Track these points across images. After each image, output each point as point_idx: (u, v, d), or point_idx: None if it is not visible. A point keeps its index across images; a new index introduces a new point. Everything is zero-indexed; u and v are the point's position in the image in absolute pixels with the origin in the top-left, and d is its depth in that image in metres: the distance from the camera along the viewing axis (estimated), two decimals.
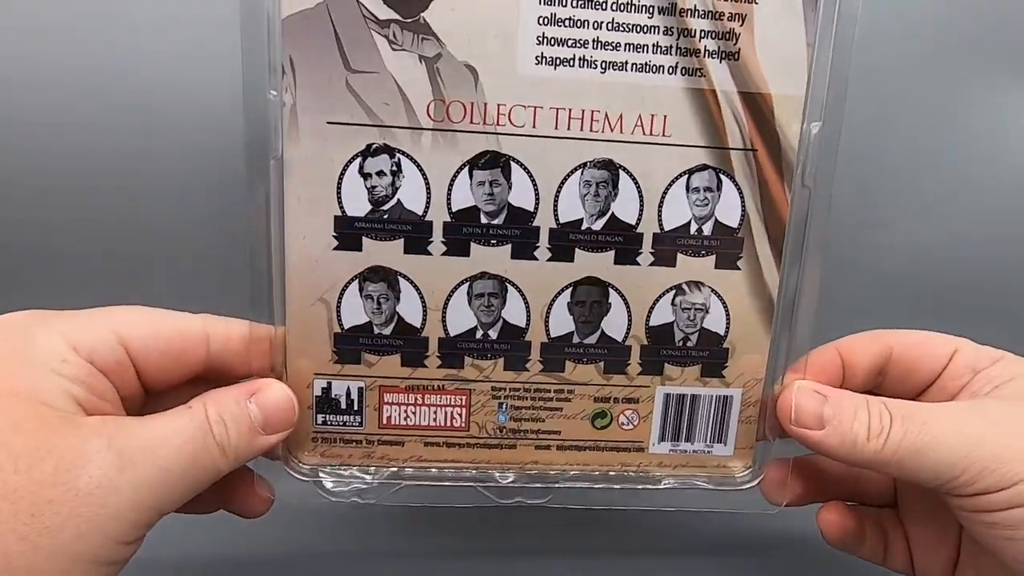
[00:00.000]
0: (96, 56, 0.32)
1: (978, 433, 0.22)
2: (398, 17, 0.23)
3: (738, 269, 0.26)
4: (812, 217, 0.25)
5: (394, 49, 0.23)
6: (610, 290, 0.26)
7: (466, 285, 0.25)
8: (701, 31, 0.24)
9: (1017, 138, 0.36)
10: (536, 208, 0.25)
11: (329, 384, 0.26)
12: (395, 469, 0.27)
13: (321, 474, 0.26)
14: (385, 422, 0.26)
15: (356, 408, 0.26)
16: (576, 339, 0.26)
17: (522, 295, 0.25)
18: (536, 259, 0.25)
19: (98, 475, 0.20)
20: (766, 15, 0.24)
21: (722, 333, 0.26)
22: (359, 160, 0.24)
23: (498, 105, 0.24)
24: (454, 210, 0.24)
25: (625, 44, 0.24)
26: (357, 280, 0.25)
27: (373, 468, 0.27)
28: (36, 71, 0.32)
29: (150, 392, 0.24)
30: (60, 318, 0.22)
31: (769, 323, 0.26)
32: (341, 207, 0.24)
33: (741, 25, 0.24)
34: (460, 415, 0.27)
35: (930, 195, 0.37)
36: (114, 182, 0.32)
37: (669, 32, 0.24)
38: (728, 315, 0.26)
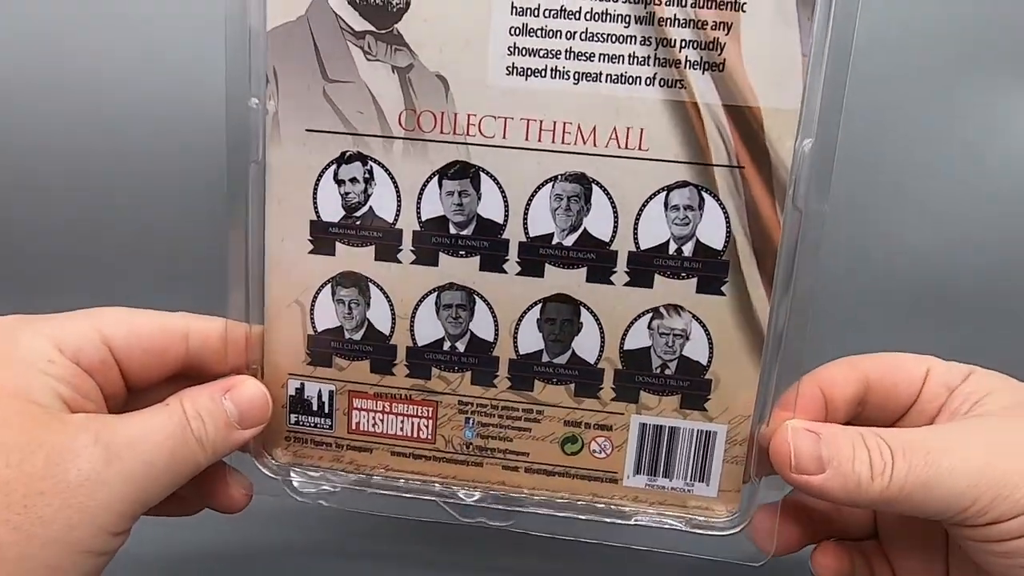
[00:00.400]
0: (88, 58, 0.35)
1: (983, 459, 0.21)
2: (373, 29, 0.23)
3: (723, 295, 0.24)
4: (803, 242, 0.23)
5: (369, 60, 0.24)
6: (582, 309, 0.25)
7: (434, 295, 0.25)
8: (682, 41, 0.22)
9: (1018, 140, 0.33)
10: (505, 220, 0.24)
11: (302, 385, 0.26)
12: (362, 476, 0.27)
13: (292, 473, 0.27)
14: (354, 427, 0.27)
15: (327, 411, 0.26)
16: (545, 357, 0.25)
17: (490, 308, 0.25)
18: (505, 272, 0.25)
19: (87, 468, 0.20)
20: (755, 24, 0.22)
21: (704, 362, 0.25)
22: (334, 167, 0.24)
23: (468, 115, 0.24)
24: (423, 219, 0.25)
25: (599, 55, 0.23)
26: (330, 284, 0.25)
27: (341, 472, 0.27)
28: (23, 75, 0.35)
29: (132, 390, 0.25)
30: (44, 321, 0.23)
31: (758, 355, 0.24)
32: (317, 212, 0.25)
33: (727, 34, 0.22)
34: (427, 427, 0.26)
35: (929, 199, 0.34)
36: (101, 183, 0.34)
37: (647, 42, 0.23)
38: (711, 343, 0.24)
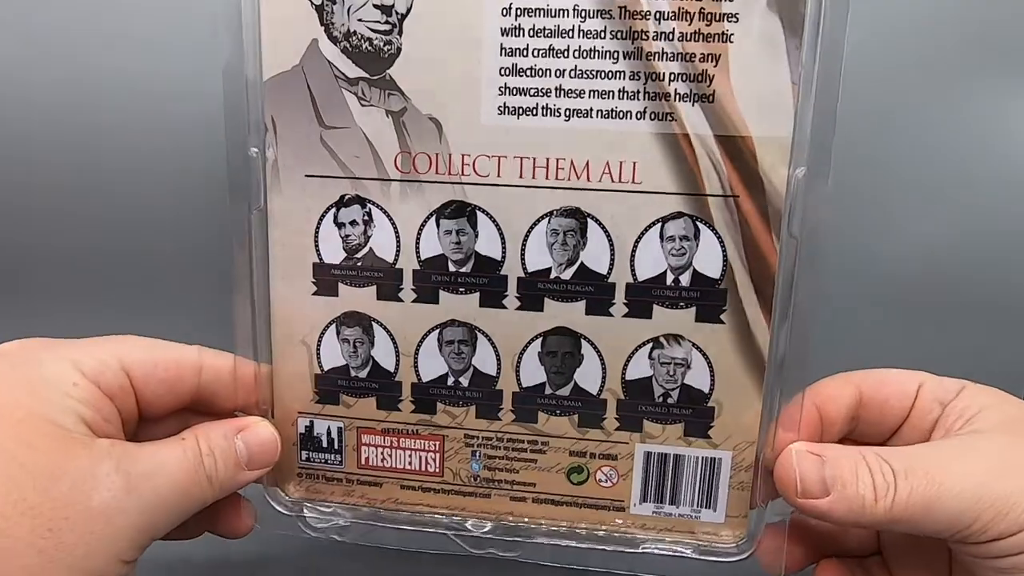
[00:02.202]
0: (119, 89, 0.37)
1: (983, 477, 0.21)
2: (366, 75, 0.24)
3: (722, 323, 0.24)
4: (800, 269, 0.23)
5: (363, 105, 0.24)
6: (582, 341, 0.25)
7: (436, 332, 0.25)
8: (671, 74, 0.23)
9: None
10: (503, 257, 0.25)
11: (312, 422, 0.27)
12: (373, 509, 0.27)
13: (304, 509, 0.27)
14: (363, 462, 0.27)
15: (336, 447, 0.27)
16: (548, 390, 0.25)
17: (492, 343, 0.25)
18: (505, 307, 0.25)
19: (107, 496, 0.21)
20: (743, 54, 0.22)
21: (706, 391, 0.25)
22: (334, 210, 0.25)
23: (462, 155, 0.24)
24: (423, 258, 0.25)
25: (589, 91, 0.23)
26: (335, 324, 0.26)
27: (352, 506, 0.27)
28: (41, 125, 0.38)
29: (144, 418, 0.26)
30: (67, 346, 0.24)
31: (760, 382, 0.24)
32: (319, 255, 0.25)
33: (715, 66, 0.22)
34: (434, 460, 0.27)
35: (933, 198, 0.35)
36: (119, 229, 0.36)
37: (636, 77, 0.23)
38: (712, 371, 0.25)
